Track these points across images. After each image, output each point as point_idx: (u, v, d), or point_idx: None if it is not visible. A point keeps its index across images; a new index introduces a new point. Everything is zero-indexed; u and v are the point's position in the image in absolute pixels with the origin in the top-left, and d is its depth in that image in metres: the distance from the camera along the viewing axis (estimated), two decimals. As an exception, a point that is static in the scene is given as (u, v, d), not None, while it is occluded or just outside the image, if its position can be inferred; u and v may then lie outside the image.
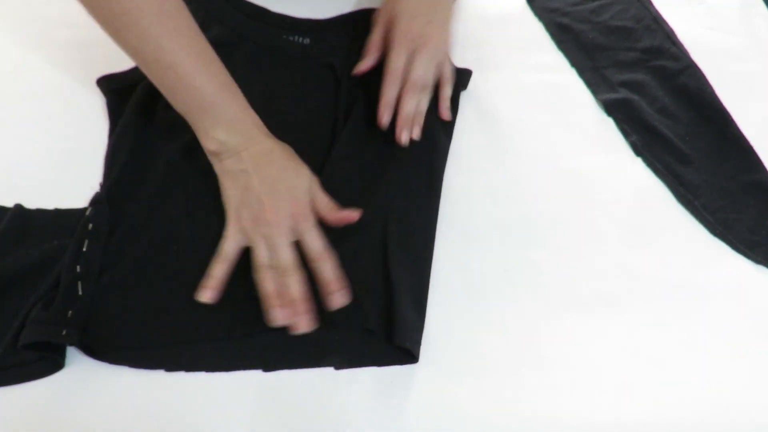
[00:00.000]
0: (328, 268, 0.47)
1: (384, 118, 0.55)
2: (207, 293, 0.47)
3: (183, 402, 0.45)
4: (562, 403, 0.46)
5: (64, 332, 0.44)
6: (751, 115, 0.62)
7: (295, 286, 0.46)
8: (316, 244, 0.48)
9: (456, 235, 0.54)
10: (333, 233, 0.51)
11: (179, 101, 0.50)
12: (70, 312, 0.45)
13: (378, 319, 0.48)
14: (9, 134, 0.58)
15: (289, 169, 0.50)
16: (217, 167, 0.51)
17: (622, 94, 0.63)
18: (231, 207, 0.49)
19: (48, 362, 0.45)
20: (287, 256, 0.46)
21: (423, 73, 0.55)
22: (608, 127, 0.61)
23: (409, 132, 0.55)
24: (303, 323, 0.45)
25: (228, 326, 0.47)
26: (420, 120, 0.56)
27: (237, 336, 0.47)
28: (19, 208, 0.52)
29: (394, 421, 0.45)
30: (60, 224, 0.51)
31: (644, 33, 0.69)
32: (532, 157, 0.59)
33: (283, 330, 0.47)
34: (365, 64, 0.59)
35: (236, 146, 0.50)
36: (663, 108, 0.63)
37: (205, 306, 0.48)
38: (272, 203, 0.47)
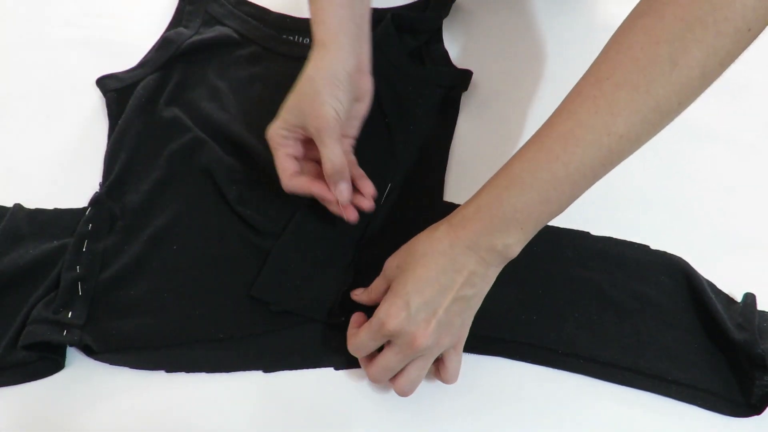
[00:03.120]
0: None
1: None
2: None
3: (183, 402, 0.45)
4: (562, 403, 0.46)
5: (64, 332, 0.45)
6: (752, 115, 0.62)
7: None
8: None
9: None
10: (333, 237, 0.51)
11: None
12: (70, 312, 0.45)
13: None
14: (9, 134, 0.58)
15: None
16: None
17: None
18: None
19: (48, 362, 0.45)
20: None
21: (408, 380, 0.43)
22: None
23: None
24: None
25: (228, 327, 0.47)
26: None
27: (237, 337, 0.47)
28: (18, 208, 0.52)
29: (394, 421, 0.45)
30: (60, 224, 0.51)
31: None
32: (532, 157, 0.58)
33: (283, 331, 0.47)
34: (360, 298, 0.47)
35: None
36: None
37: (205, 307, 0.48)
38: None
